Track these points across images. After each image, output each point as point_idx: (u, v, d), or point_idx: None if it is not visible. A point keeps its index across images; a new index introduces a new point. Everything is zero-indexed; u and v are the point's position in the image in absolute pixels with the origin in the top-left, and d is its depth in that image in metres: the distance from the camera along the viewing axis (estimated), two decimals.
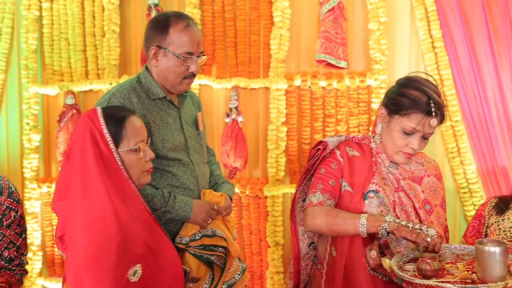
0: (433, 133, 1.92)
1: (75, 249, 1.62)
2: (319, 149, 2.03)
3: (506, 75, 3.08)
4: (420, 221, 1.94)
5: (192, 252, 2.02)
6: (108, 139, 1.69)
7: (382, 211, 1.90)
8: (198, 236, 2.05)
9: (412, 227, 1.73)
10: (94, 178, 1.64)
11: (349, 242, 1.89)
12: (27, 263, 2.03)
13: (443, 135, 3.23)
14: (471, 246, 1.83)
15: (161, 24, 2.09)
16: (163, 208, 2.02)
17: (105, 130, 1.69)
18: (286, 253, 3.36)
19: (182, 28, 2.08)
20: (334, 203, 1.97)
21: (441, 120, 1.90)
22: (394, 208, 1.92)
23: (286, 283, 2.18)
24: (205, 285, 2.03)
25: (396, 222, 1.76)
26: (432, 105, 1.84)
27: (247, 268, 2.21)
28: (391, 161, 2.00)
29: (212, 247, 2.03)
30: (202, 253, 2.02)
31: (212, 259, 2.03)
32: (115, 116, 1.74)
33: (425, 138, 1.93)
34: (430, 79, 1.97)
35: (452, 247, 1.86)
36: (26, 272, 2.01)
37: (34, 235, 3.65)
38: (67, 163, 1.71)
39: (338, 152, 2.01)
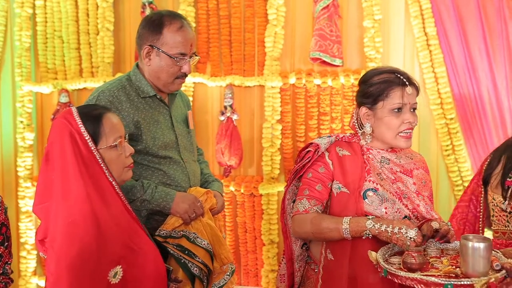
0: (416, 103, 1.96)
1: (56, 252, 1.60)
2: (309, 151, 2.00)
3: (500, 73, 3.09)
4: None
5: (171, 251, 1.97)
6: (86, 138, 1.68)
7: (386, 208, 1.89)
8: (179, 234, 2.01)
9: (391, 231, 1.73)
10: (74, 179, 1.63)
11: (351, 245, 1.87)
12: (12, 272, 1.97)
13: (437, 133, 3.23)
14: (456, 241, 1.84)
15: (155, 24, 2.09)
16: (142, 197, 2.00)
17: (83, 129, 1.68)
18: (281, 251, 3.35)
19: (176, 28, 2.08)
20: (321, 208, 1.95)
21: (417, 89, 1.97)
22: (400, 199, 1.92)
23: (277, 286, 2.16)
24: None
25: (376, 228, 1.77)
26: (401, 77, 1.92)
27: (235, 269, 2.17)
28: (382, 156, 1.99)
29: (190, 253, 1.98)
30: (180, 255, 1.97)
31: (189, 266, 1.97)
32: (91, 115, 1.73)
33: (413, 109, 1.96)
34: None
35: (438, 242, 1.86)
36: (12, 281, 1.96)
37: (28, 234, 3.64)
38: (46, 166, 1.69)
39: (327, 154, 1.99)
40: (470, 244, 1.56)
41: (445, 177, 3.26)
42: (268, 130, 3.31)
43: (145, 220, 2.05)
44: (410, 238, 1.68)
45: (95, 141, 1.70)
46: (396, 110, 1.91)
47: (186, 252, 1.98)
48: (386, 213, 1.88)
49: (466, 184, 3.19)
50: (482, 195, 2.32)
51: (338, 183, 1.94)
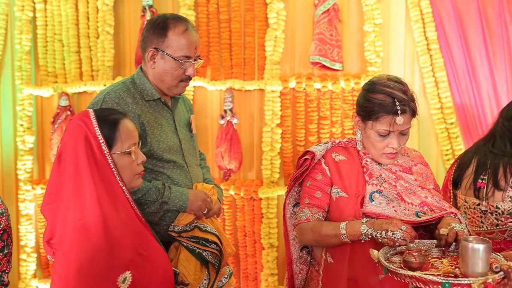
0: (409, 127, 1.93)
1: (65, 255, 1.59)
2: (306, 159, 2.03)
3: (501, 77, 3.08)
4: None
5: (185, 244, 2.05)
6: (100, 141, 1.67)
7: (394, 206, 1.91)
8: (191, 226, 2.07)
9: (380, 236, 1.76)
10: (86, 182, 1.62)
11: (351, 248, 1.89)
12: (9, 282, 1.88)
13: (437, 137, 3.23)
14: None
15: (160, 27, 2.09)
16: (160, 200, 2.03)
17: (98, 133, 1.68)
18: (281, 255, 3.36)
19: (181, 31, 2.08)
20: (323, 214, 1.98)
21: (413, 114, 1.92)
22: (402, 199, 1.93)
23: None
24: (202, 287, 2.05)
25: (369, 233, 1.79)
26: (397, 104, 1.86)
27: (233, 272, 2.24)
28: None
29: (204, 242, 2.06)
30: (194, 246, 2.05)
31: (204, 255, 2.05)
32: (108, 119, 1.73)
33: (403, 134, 1.94)
34: (393, 77, 1.97)
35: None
36: None
37: (28, 236, 3.65)
38: (58, 166, 1.68)
39: (323, 161, 2.01)
40: (470, 245, 1.58)
41: None
42: (268, 134, 3.31)
43: (159, 219, 2.09)
44: (398, 239, 1.71)
45: (110, 145, 1.69)
46: (381, 135, 1.92)
47: (200, 242, 2.06)
48: (395, 211, 1.90)
49: None
50: (452, 199, 2.33)
51: (336, 188, 1.97)
